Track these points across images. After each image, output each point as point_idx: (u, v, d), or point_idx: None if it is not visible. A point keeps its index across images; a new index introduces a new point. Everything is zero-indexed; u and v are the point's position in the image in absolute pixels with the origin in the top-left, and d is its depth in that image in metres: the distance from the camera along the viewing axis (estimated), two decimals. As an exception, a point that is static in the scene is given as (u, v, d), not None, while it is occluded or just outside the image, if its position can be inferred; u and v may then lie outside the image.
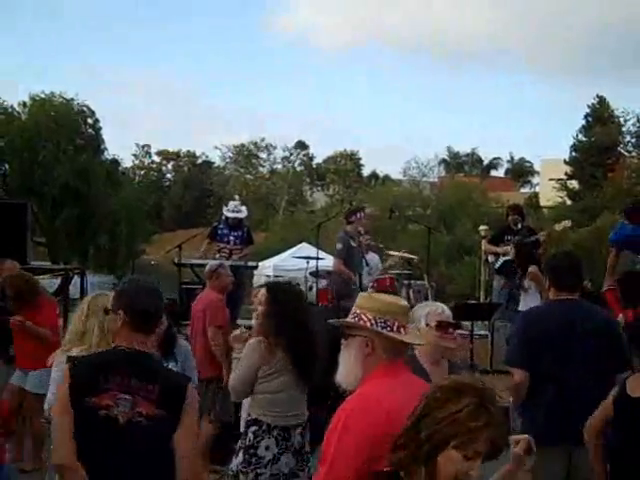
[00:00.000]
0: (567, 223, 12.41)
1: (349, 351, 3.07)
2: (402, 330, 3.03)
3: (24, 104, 34.80)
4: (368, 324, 3.01)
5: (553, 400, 4.64)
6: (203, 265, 11.10)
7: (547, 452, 4.60)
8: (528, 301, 9.62)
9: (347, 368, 3.07)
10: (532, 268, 9.86)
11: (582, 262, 5.25)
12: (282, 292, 4.82)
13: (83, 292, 10.04)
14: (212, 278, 7.52)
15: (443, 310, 4.11)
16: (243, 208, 11.20)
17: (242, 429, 4.80)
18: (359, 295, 3.25)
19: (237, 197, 12.35)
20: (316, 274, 11.72)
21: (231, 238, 10.82)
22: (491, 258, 11.29)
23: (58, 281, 11.99)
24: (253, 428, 4.56)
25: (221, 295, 7.51)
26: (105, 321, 4.25)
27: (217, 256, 10.50)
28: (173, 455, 3.22)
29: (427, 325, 3.97)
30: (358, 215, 10.38)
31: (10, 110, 34.59)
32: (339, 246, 10.04)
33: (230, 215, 10.89)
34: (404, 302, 3.20)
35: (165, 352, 5.52)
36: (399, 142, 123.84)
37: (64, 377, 3.24)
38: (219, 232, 10.90)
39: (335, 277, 10.21)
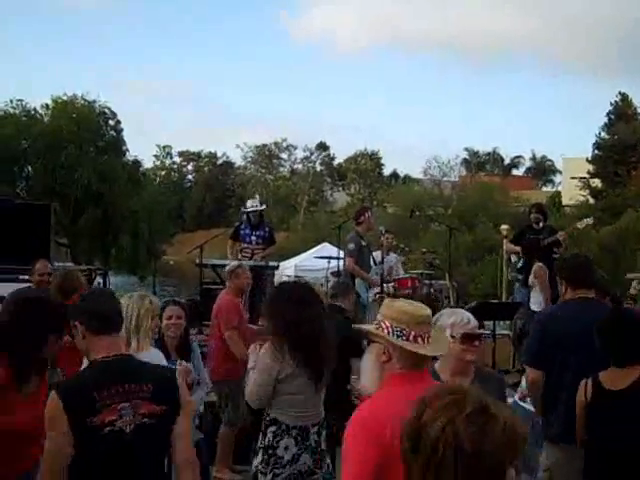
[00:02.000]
0: (589, 220, 12.38)
1: (369, 357, 3.10)
2: (419, 340, 2.96)
3: (47, 106, 35.04)
4: (385, 332, 2.98)
5: (571, 399, 4.61)
6: (224, 265, 11.17)
7: (566, 450, 4.63)
8: (536, 298, 9.62)
9: (366, 373, 3.12)
10: (537, 265, 9.84)
11: (592, 262, 5.27)
12: (282, 292, 4.83)
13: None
14: (231, 278, 7.55)
15: (469, 320, 3.95)
16: (259, 203, 11.28)
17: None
18: (383, 302, 3.22)
19: (257, 196, 12.38)
20: (337, 274, 11.72)
21: (253, 238, 10.85)
22: (513, 258, 11.28)
23: (81, 282, 12.09)
24: (272, 428, 4.55)
25: (237, 296, 7.52)
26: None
27: (239, 256, 10.54)
28: (164, 453, 3.31)
29: (452, 337, 3.85)
30: (366, 215, 10.43)
31: (33, 112, 34.84)
32: (351, 246, 10.10)
33: (249, 210, 10.94)
34: (425, 311, 3.10)
35: (181, 355, 5.57)
36: (419, 142, 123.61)
37: (53, 407, 3.08)
38: (241, 232, 10.94)
39: (343, 274, 10.27)
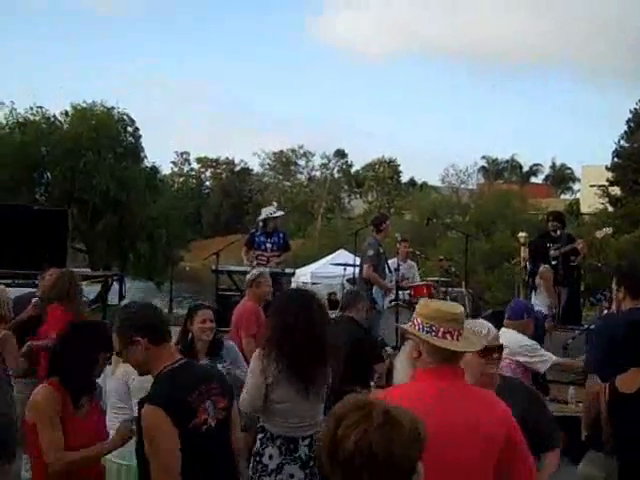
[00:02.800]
0: (608, 230, 12.27)
1: (402, 355, 3.23)
2: (448, 336, 3.03)
3: (66, 113, 35.28)
4: (415, 329, 3.07)
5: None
6: (240, 272, 11.21)
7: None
8: (539, 301, 9.55)
9: (400, 370, 3.23)
10: (543, 267, 9.79)
11: None
12: (281, 300, 4.82)
13: (122, 298, 10.12)
14: (252, 286, 7.55)
15: (489, 331, 3.74)
16: (277, 210, 11.29)
17: None
18: (419, 302, 3.26)
19: (275, 203, 12.41)
20: (353, 281, 11.70)
21: (268, 245, 10.83)
22: (530, 265, 11.19)
23: (98, 287, 12.14)
24: (260, 435, 4.55)
25: (258, 304, 7.50)
26: None
27: (254, 263, 10.52)
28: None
29: None
30: (387, 223, 10.47)
31: (52, 119, 35.09)
32: (370, 252, 10.08)
33: (268, 215, 10.94)
34: (457, 309, 3.16)
35: (212, 354, 5.59)
36: (437, 149, 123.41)
37: (160, 418, 3.15)
38: (256, 239, 10.92)
39: (359, 281, 10.27)
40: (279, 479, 4.40)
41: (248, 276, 7.84)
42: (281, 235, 11.15)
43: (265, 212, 11.08)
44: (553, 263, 10.47)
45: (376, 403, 2.08)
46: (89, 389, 4.00)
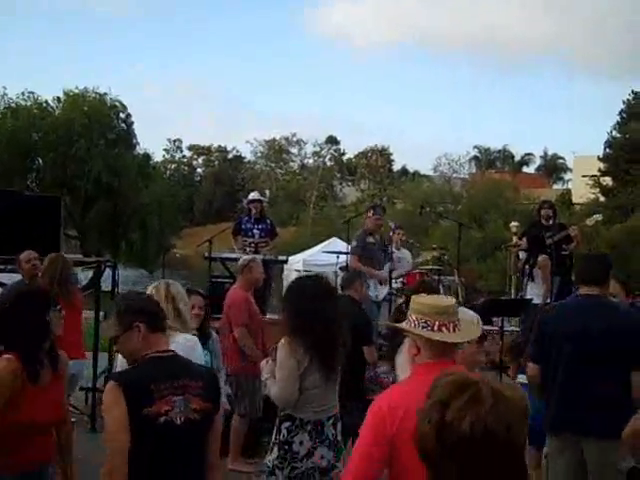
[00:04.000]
0: (598, 217, 12.34)
1: (403, 353, 3.27)
2: (444, 329, 3.06)
3: (58, 99, 35.15)
4: (411, 326, 3.11)
5: (564, 392, 4.77)
6: (233, 259, 11.22)
7: (557, 440, 4.83)
8: (535, 290, 9.59)
9: (401, 367, 3.30)
10: (542, 257, 9.83)
11: (610, 261, 5.27)
12: (299, 288, 4.79)
13: (115, 285, 10.10)
14: (243, 272, 7.51)
15: (478, 321, 3.94)
16: (260, 195, 11.32)
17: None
18: (412, 298, 3.30)
19: (267, 191, 12.42)
20: (346, 269, 11.72)
21: (255, 232, 10.83)
22: (522, 254, 11.19)
23: (90, 274, 12.10)
24: (287, 424, 4.55)
25: (248, 290, 7.48)
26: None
27: (247, 250, 10.53)
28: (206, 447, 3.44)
29: None
30: (369, 213, 10.45)
31: (44, 105, 34.95)
32: (353, 243, 10.18)
33: (251, 198, 10.98)
34: (448, 301, 3.22)
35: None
36: (430, 138, 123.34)
37: (114, 396, 3.16)
38: (243, 227, 10.92)
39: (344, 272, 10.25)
40: (310, 463, 4.48)
41: (240, 261, 7.80)
42: (268, 222, 11.16)
43: (250, 196, 11.15)
44: (522, 255, 10.56)
45: (480, 382, 2.00)
46: (49, 358, 3.90)
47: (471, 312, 4.01)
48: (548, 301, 9.64)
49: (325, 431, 4.54)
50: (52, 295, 4.29)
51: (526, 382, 5.15)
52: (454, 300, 3.24)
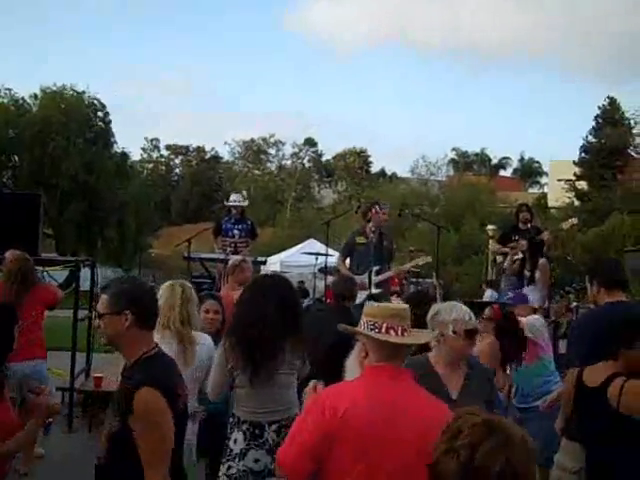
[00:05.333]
0: (574, 220, 12.43)
1: (353, 356, 3.29)
2: (392, 332, 3.06)
3: (35, 96, 34.90)
4: (361, 328, 3.12)
5: None
6: (212, 259, 11.24)
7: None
8: (533, 293, 9.61)
9: (350, 370, 3.30)
10: (542, 260, 9.86)
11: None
12: (250, 285, 4.76)
13: (94, 284, 10.07)
14: (235, 272, 7.54)
15: (470, 317, 4.05)
16: (241, 197, 11.32)
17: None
18: (367, 303, 3.34)
19: (244, 192, 12.43)
20: (325, 271, 11.76)
21: (235, 232, 10.86)
22: (499, 258, 11.29)
23: (66, 273, 12.02)
24: (230, 419, 4.56)
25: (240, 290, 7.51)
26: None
27: (227, 250, 10.57)
28: None
29: (455, 333, 3.96)
30: (374, 210, 10.31)
31: (21, 102, 34.68)
32: (343, 244, 10.13)
33: (232, 204, 10.97)
34: (400, 305, 3.27)
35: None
36: (408, 141, 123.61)
37: (163, 402, 3.14)
38: (223, 227, 10.97)
39: (336, 276, 10.24)
40: (242, 465, 4.38)
41: (230, 262, 7.85)
42: (249, 222, 11.19)
43: (231, 199, 11.14)
44: (520, 256, 10.58)
45: (507, 426, 2.13)
46: None
47: (467, 308, 4.13)
48: (547, 305, 9.67)
49: (264, 435, 4.40)
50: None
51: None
52: (406, 306, 3.24)
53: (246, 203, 11.29)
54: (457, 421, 2.14)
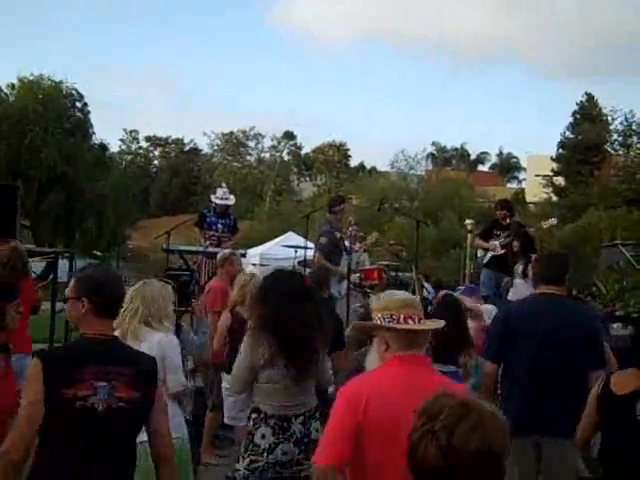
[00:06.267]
0: (553, 221, 12.49)
1: (373, 352, 3.33)
2: (410, 321, 3.16)
3: (12, 86, 34.52)
4: (378, 322, 3.19)
5: (524, 392, 4.74)
6: (191, 251, 11.22)
7: (519, 443, 4.69)
8: (522, 290, 9.64)
9: (371, 365, 3.32)
10: (536, 256, 9.85)
11: (569, 260, 5.40)
12: (271, 282, 4.77)
13: (72, 276, 10.02)
14: (224, 265, 7.64)
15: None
16: (231, 196, 11.31)
17: None
18: (372, 299, 3.38)
19: (224, 185, 12.36)
20: (304, 263, 11.76)
21: (219, 226, 10.89)
22: (480, 253, 11.37)
23: (43, 264, 11.95)
24: (253, 415, 4.59)
25: (229, 282, 7.49)
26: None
27: (207, 243, 10.58)
28: (136, 435, 3.41)
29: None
30: (342, 205, 10.47)
31: (-3, 92, 34.31)
32: (323, 240, 10.07)
33: (219, 202, 10.97)
34: (410, 296, 3.37)
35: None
36: (387, 135, 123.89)
37: (35, 373, 3.16)
38: (207, 220, 10.96)
39: (314, 267, 10.25)
40: (271, 458, 4.45)
41: (219, 255, 8.00)
42: (232, 218, 11.23)
43: (220, 195, 11.09)
44: (501, 252, 10.67)
45: (481, 407, 2.16)
46: (3, 347, 3.95)
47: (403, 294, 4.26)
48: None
49: (292, 427, 4.50)
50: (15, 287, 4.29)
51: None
52: (413, 296, 3.36)
53: (233, 201, 11.30)
54: (433, 404, 2.17)
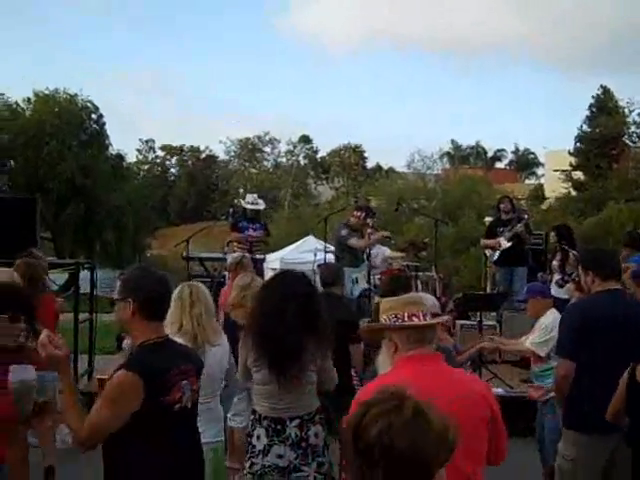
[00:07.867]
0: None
1: (383, 354, 3.31)
2: (414, 319, 3.15)
3: (28, 100, 34.85)
4: (384, 324, 3.20)
5: (599, 390, 4.55)
6: (211, 259, 11.27)
7: (590, 441, 4.64)
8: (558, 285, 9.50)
9: (382, 366, 3.29)
10: (573, 253, 9.68)
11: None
12: (267, 282, 4.85)
13: (93, 287, 10.06)
14: (236, 269, 7.62)
15: (434, 303, 4.18)
16: (260, 201, 11.39)
17: None
18: (380, 304, 3.40)
19: (256, 195, 12.39)
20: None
21: (251, 231, 10.99)
22: (488, 252, 11.68)
23: (65, 275, 12.03)
24: (251, 416, 4.58)
25: None
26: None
27: (236, 249, 10.64)
28: None
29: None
30: (357, 213, 10.64)
31: (14, 106, 34.63)
32: (344, 232, 10.33)
33: (249, 207, 11.07)
34: (413, 294, 3.36)
35: None
36: (403, 135, 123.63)
37: (135, 387, 3.16)
38: (239, 225, 11.08)
39: (322, 266, 10.27)
40: (267, 460, 4.36)
41: (230, 259, 7.98)
42: (263, 222, 11.43)
43: (250, 200, 11.20)
44: (509, 244, 10.99)
45: (410, 397, 1.99)
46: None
47: (429, 296, 4.34)
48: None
49: (287, 430, 4.38)
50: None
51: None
52: (420, 294, 3.39)
53: (263, 206, 11.41)
54: (377, 394, 2.07)
